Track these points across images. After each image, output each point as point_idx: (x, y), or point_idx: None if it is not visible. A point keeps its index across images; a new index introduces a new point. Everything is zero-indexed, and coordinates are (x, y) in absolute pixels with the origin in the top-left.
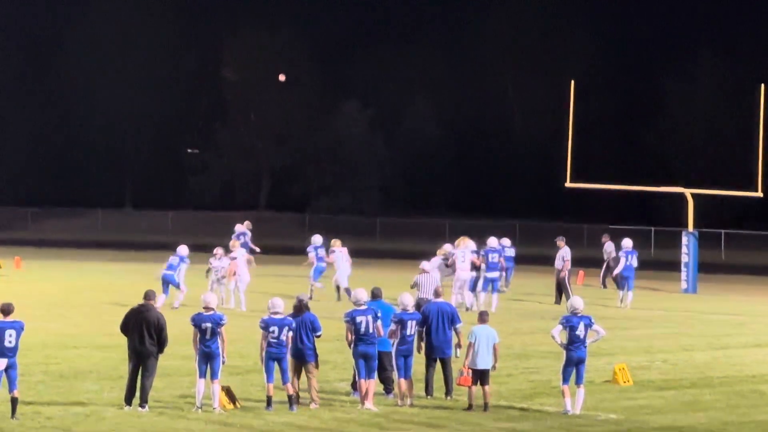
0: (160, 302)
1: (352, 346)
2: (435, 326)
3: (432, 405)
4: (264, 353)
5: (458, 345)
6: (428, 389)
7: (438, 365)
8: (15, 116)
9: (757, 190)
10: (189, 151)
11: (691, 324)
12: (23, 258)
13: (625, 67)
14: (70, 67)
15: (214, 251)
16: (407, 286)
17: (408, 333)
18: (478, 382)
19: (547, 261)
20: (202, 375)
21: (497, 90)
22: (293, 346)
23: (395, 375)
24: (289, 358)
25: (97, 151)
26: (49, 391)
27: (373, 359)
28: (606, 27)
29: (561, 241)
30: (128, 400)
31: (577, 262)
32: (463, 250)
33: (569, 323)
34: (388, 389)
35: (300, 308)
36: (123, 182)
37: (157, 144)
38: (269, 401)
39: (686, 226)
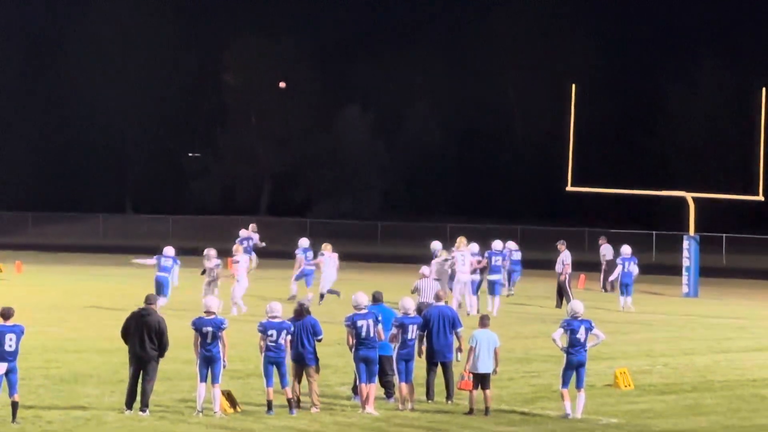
0: (158, 305)
1: (353, 350)
2: (436, 330)
3: (433, 409)
4: (262, 357)
5: (459, 349)
6: (429, 393)
7: (439, 369)
8: (16, 120)
9: (758, 194)
10: (190, 155)
11: (693, 328)
12: (24, 262)
13: (626, 71)
14: (70, 70)
15: (205, 252)
16: (408, 290)
17: (409, 337)
18: (479, 386)
19: (549, 265)
20: (203, 379)
21: (498, 93)
22: (294, 349)
23: (396, 379)
24: (290, 362)
25: (98, 155)
26: (50, 395)
27: (374, 363)
28: (607, 30)
29: (562, 245)
30: (129, 404)
31: (579, 266)
32: (464, 252)
33: (570, 327)
34: (389, 393)
35: (301, 312)
36: (124, 186)
37: (157, 148)
38: (270, 405)
39: (687, 230)
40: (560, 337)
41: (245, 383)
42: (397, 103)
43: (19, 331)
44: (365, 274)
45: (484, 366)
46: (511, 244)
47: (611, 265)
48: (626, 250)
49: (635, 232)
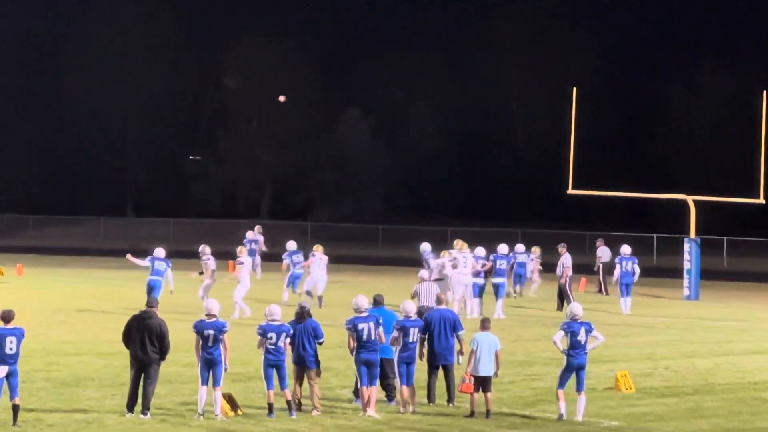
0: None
1: (354, 353)
2: (437, 333)
3: (434, 412)
4: (262, 360)
5: (460, 352)
6: (430, 396)
7: (440, 372)
8: (16, 123)
9: (759, 197)
10: (191, 158)
11: (693, 331)
12: (25, 265)
13: (627, 74)
14: (71, 73)
15: (200, 249)
16: (409, 293)
17: (410, 340)
18: (480, 389)
19: (549, 268)
20: (204, 382)
21: (499, 97)
22: (295, 352)
23: (397, 382)
24: (290, 364)
25: (99, 159)
26: (51, 398)
27: (375, 366)
28: (608, 35)
29: (562, 248)
30: (130, 407)
31: (579, 269)
32: (465, 254)
33: (570, 329)
34: (390, 396)
35: (302, 315)
36: (124, 189)
37: (158, 151)
38: (270, 408)
39: (688, 232)
40: (561, 340)
41: (246, 386)
42: (398, 106)
43: (19, 334)
44: (366, 277)
45: (485, 369)
46: (519, 247)
47: (607, 268)
48: (625, 249)
49: (636, 235)
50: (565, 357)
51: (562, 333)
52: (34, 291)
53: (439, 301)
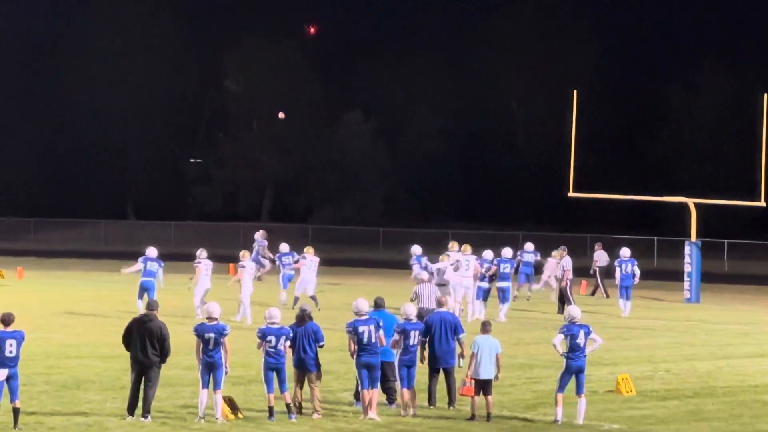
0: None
1: (354, 356)
2: (438, 336)
3: (435, 415)
4: (263, 363)
5: (461, 355)
6: (431, 399)
7: (441, 375)
8: (17, 126)
9: (760, 200)
10: (191, 161)
11: (694, 333)
12: (26, 268)
13: (627, 77)
14: (72, 76)
15: (197, 253)
16: (409, 296)
17: (411, 343)
18: (481, 392)
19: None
20: (205, 385)
21: (500, 99)
22: (296, 355)
23: (398, 385)
24: (291, 367)
25: (100, 162)
26: (52, 401)
27: (375, 369)
28: (609, 37)
29: (563, 251)
30: (131, 410)
31: (580, 272)
32: (468, 256)
33: (570, 332)
34: (391, 399)
35: (303, 318)
36: (125, 192)
37: (159, 154)
38: (271, 411)
39: (689, 235)
40: (560, 343)
41: (247, 389)
42: (399, 109)
43: (19, 337)
44: (367, 280)
45: (486, 372)
46: (529, 246)
47: (604, 272)
48: (625, 252)
49: (637, 238)
50: (565, 360)
51: (562, 336)
52: (35, 294)
53: (439, 304)
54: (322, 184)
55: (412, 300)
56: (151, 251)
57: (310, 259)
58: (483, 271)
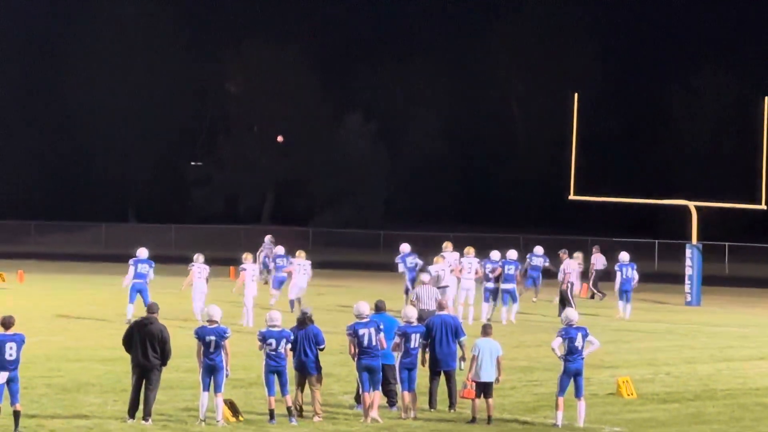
0: (129, 313)
1: (355, 359)
2: (439, 339)
3: (435, 417)
4: (263, 366)
5: (462, 358)
6: (432, 402)
7: (442, 378)
8: (18, 128)
9: (760, 203)
10: (192, 164)
11: (695, 336)
12: (26, 271)
13: (629, 80)
14: (73, 79)
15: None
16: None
17: (412, 346)
18: (482, 395)
19: (551, 273)
20: (206, 388)
21: (501, 102)
22: (296, 358)
23: (399, 388)
24: (292, 370)
25: (101, 165)
26: (53, 404)
27: (376, 372)
28: (610, 40)
29: (564, 254)
30: (131, 413)
31: (581, 275)
32: (471, 259)
33: (568, 335)
34: (391, 402)
35: (304, 321)
36: (126, 195)
37: (160, 157)
38: (272, 414)
39: (690, 238)
40: (559, 346)
41: (248, 392)
42: (400, 112)
43: (19, 340)
44: (367, 283)
45: (487, 375)
46: (538, 249)
47: (600, 276)
48: (624, 256)
49: (638, 241)
50: (563, 363)
51: (560, 339)
52: (36, 297)
53: (440, 306)
54: (322, 187)
55: (412, 302)
56: (142, 252)
57: (299, 263)
58: (488, 272)
